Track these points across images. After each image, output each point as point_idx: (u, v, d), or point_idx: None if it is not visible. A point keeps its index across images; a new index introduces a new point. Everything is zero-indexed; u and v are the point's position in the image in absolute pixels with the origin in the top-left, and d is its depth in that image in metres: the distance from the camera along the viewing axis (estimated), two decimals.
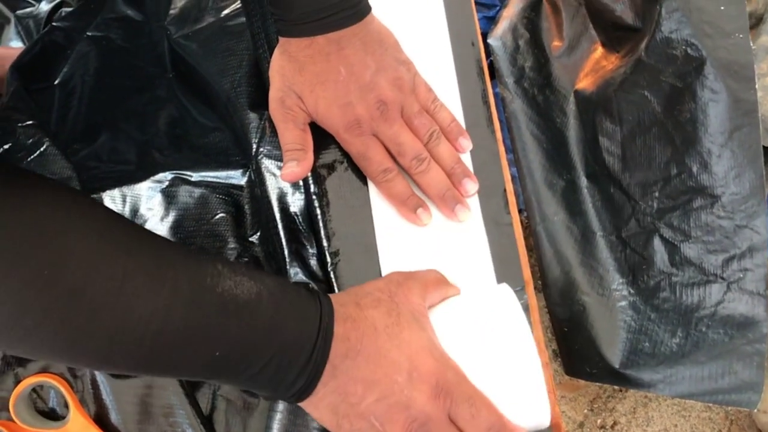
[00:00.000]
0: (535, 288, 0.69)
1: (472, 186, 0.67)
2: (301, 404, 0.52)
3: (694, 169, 0.86)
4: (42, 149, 0.76)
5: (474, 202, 0.68)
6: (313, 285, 0.66)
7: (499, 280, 0.65)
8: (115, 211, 0.69)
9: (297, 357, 0.49)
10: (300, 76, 0.66)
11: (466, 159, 0.70)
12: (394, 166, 0.66)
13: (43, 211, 0.44)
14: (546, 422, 0.54)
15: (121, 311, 0.44)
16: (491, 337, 0.55)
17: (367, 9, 0.67)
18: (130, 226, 0.50)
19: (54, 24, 0.93)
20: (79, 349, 0.45)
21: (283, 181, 0.68)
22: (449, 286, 0.61)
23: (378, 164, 0.66)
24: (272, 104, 0.69)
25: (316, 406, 0.52)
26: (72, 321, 0.43)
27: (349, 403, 0.50)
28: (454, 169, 0.67)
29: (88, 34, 0.91)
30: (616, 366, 0.92)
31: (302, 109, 0.67)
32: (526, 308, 0.64)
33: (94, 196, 0.73)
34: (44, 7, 1.07)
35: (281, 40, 0.68)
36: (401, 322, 0.53)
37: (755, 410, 0.92)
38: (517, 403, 0.53)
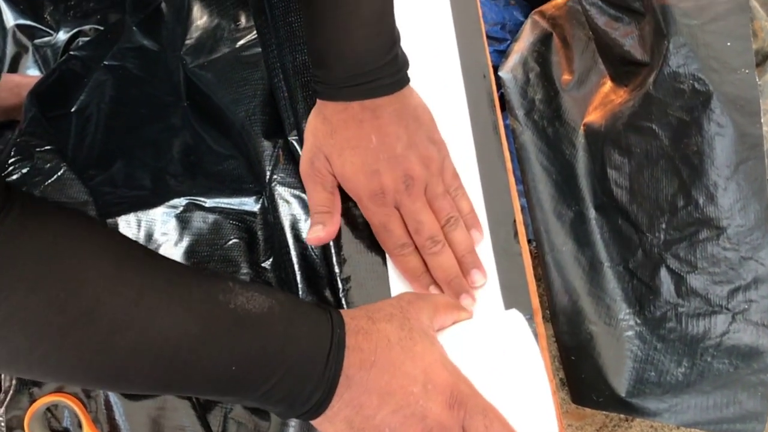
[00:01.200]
0: (543, 317, 0.70)
1: (479, 278, 0.66)
2: (315, 422, 0.52)
3: (701, 201, 0.87)
4: (59, 174, 0.77)
5: (484, 232, 0.69)
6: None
7: (508, 309, 0.66)
8: (129, 236, 0.70)
9: (312, 369, 0.50)
10: (331, 139, 0.66)
11: (477, 189, 0.71)
12: (411, 241, 0.66)
13: (58, 237, 0.45)
14: None
15: (137, 329, 0.45)
16: (502, 361, 0.56)
17: (406, 80, 0.67)
18: (143, 251, 0.51)
19: (71, 53, 0.95)
20: (96, 368, 0.46)
21: (307, 242, 0.68)
22: (460, 309, 0.62)
23: (397, 238, 0.66)
24: (303, 164, 0.69)
25: (331, 421, 0.52)
26: (89, 341, 0.45)
27: (365, 415, 0.51)
28: (465, 258, 0.66)
29: (105, 63, 0.92)
30: (623, 395, 0.92)
31: (330, 172, 0.67)
32: (535, 336, 0.65)
33: (110, 220, 0.74)
34: (62, 36, 1.09)
35: (318, 101, 0.68)
36: (414, 336, 0.54)
37: None
38: (527, 427, 0.54)
